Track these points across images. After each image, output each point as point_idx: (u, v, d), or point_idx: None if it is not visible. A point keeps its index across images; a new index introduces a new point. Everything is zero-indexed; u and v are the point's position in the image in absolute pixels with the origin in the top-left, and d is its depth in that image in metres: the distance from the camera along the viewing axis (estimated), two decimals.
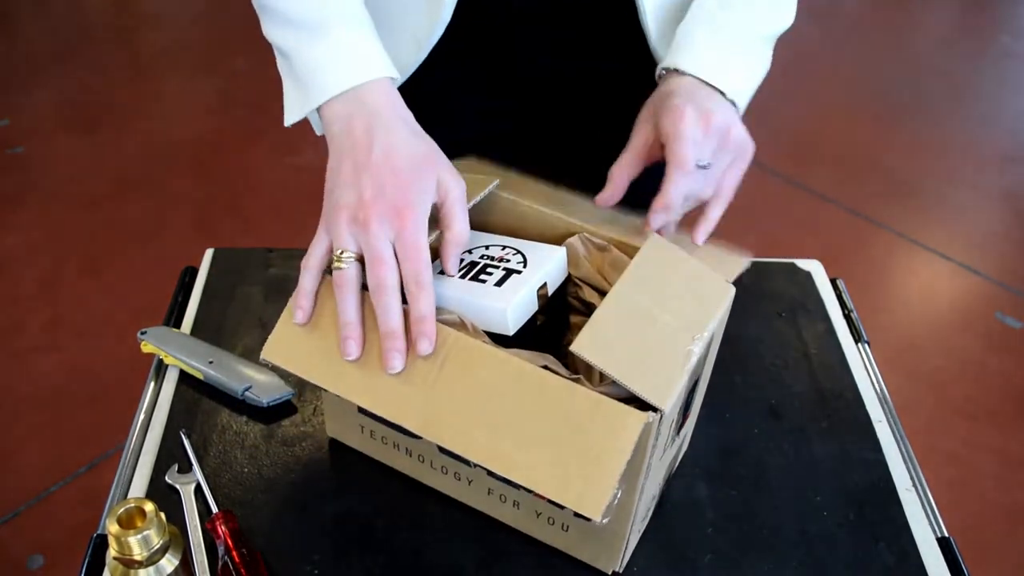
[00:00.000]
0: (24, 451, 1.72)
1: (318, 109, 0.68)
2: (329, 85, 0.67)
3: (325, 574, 0.68)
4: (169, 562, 0.61)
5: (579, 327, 0.74)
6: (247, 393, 0.79)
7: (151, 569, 0.60)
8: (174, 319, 0.90)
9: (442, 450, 0.69)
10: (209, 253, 0.98)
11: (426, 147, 0.67)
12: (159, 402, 0.81)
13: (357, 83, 0.67)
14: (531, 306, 0.68)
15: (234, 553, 0.66)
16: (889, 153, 2.77)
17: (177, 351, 0.83)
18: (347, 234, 0.63)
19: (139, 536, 0.59)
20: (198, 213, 2.30)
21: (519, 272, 0.68)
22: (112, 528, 0.59)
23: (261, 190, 2.35)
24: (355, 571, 0.69)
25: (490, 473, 0.67)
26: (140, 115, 2.73)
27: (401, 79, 0.77)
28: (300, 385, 0.82)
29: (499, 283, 0.67)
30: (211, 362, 0.81)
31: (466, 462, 0.68)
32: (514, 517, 0.71)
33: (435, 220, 0.66)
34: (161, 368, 0.84)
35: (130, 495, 0.73)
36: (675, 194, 0.69)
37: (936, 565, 0.72)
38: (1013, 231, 2.49)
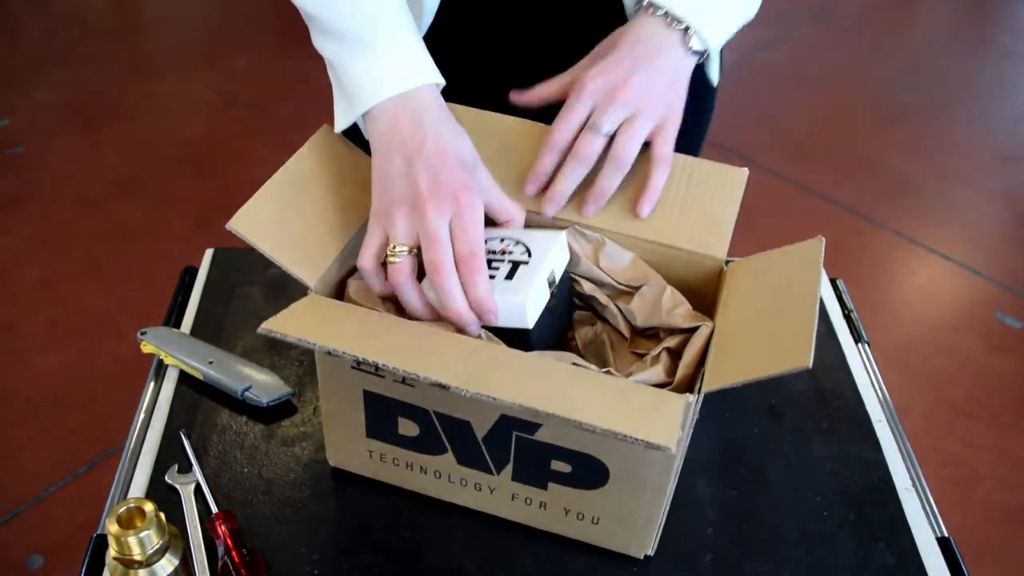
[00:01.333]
0: (24, 451, 1.72)
1: (364, 115, 0.69)
2: (374, 94, 0.68)
3: (325, 574, 0.68)
4: (169, 562, 0.61)
5: (580, 323, 0.74)
6: (247, 393, 0.79)
7: (151, 569, 0.60)
8: (174, 319, 0.90)
9: (461, 461, 0.69)
10: (209, 253, 0.98)
11: (470, 149, 0.68)
12: (159, 402, 0.81)
13: (401, 91, 0.68)
14: (544, 295, 0.68)
15: (234, 553, 0.66)
16: (889, 153, 2.77)
17: (177, 351, 0.83)
18: (403, 226, 0.64)
19: (139, 536, 0.59)
20: (198, 213, 2.30)
21: (526, 263, 0.68)
22: (112, 528, 0.59)
23: None
24: (355, 571, 0.69)
25: (515, 477, 0.68)
26: (140, 115, 2.73)
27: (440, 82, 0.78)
28: (300, 385, 0.82)
29: (509, 276, 0.67)
30: (211, 362, 0.81)
31: (492, 468, 0.68)
32: (541, 519, 0.71)
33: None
34: (161, 368, 0.84)
35: (130, 495, 0.73)
36: (547, 164, 0.72)
37: (936, 565, 0.72)
38: (1013, 231, 2.49)
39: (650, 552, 0.70)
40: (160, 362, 0.85)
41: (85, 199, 2.36)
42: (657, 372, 0.65)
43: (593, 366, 0.64)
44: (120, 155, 2.54)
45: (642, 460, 0.63)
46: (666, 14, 0.72)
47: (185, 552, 0.63)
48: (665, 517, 0.68)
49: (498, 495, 0.70)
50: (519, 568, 0.70)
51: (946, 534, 0.75)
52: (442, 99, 0.70)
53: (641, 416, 0.56)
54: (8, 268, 2.13)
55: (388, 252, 0.65)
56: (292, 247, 0.68)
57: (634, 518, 0.67)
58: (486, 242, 0.70)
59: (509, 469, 0.68)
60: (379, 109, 0.68)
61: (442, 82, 0.71)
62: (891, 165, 2.71)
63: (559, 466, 0.66)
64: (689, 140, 0.76)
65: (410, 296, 0.65)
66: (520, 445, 0.65)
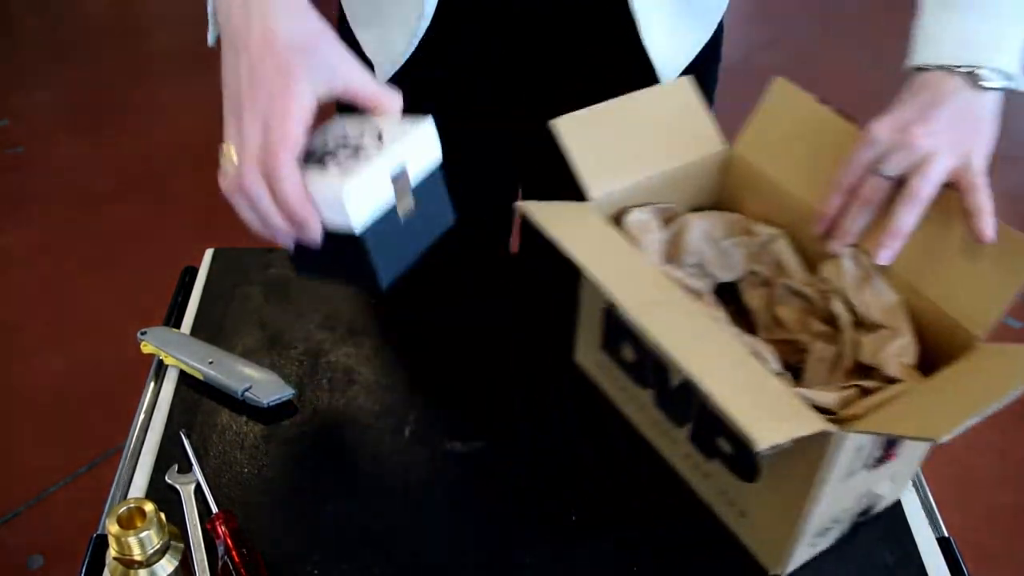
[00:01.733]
0: (24, 451, 1.72)
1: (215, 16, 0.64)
2: None
3: (325, 574, 0.68)
4: (169, 562, 0.61)
5: (822, 337, 0.73)
6: (247, 393, 0.79)
7: (151, 569, 0.60)
8: (174, 319, 0.90)
9: (658, 403, 0.72)
10: (209, 253, 0.98)
11: (311, 27, 0.59)
12: (159, 402, 0.81)
13: None
14: (384, 190, 0.57)
15: (234, 553, 0.66)
16: None
17: (177, 351, 0.83)
18: (231, 131, 0.58)
19: (139, 536, 0.59)
20: (198, 213, 2.30)
21: (362, 150, 0.57)
22: (112, 528, 0.59)
23: None
24: (355, 571, 0.69)
25: (691, 438, 0.70)
26: (140, 115, 2.73)
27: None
28: (300, 385, 0.82)
29: (342, 168, 0.56)
30: (211, 362, 0.81)
31: (676, 420, 0.71)
32: (704, 489, 0.72)
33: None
34: (161, 368, 0.84)
35: (130, 495, 0.73)
36: (832, 205, 0.71)
37: (936, 565, 0.72)
38: None
39: (780, 573, 0.69)
40: (160, 362, 0.85)
41: (85, 199, 2.36)
42: (830, 397, 0.63)
43: (773, 364, 0.67)
44: (120, 155, 2.54)
45: (786, 472, 0.63)
46: (941, 67, 0.70)
47: (185, 552, 0.63)
48: (809, 551, 0.68)
49: (676, 448, 0.73)
50: (519, 568, 0.70)
51: (946, 534, 0.75)
52: None
53: (765, 416, 0.55)
54: (8, 268, 2.14)
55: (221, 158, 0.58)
56: (598, 159, 0.74)
57: (767, 530, 0.67)
58: (345, 134, 0.61)
59: (688, 429, 0.70)
60: (221, 4, 0.61)
61: None
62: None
63: (723, 444, 0.67)
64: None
65: (245, 213, 0.59)
66: (700, 409, 0.67)
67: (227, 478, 0.74)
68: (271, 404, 0.79)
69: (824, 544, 0.70)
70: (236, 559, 0.66)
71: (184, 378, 0.83)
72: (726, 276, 0.79)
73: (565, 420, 0.80)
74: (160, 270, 1.42)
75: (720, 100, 0.97)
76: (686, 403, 0.69)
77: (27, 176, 2.45)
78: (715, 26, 0.93)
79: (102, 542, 0.69)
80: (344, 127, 0.61)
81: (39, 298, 2.06)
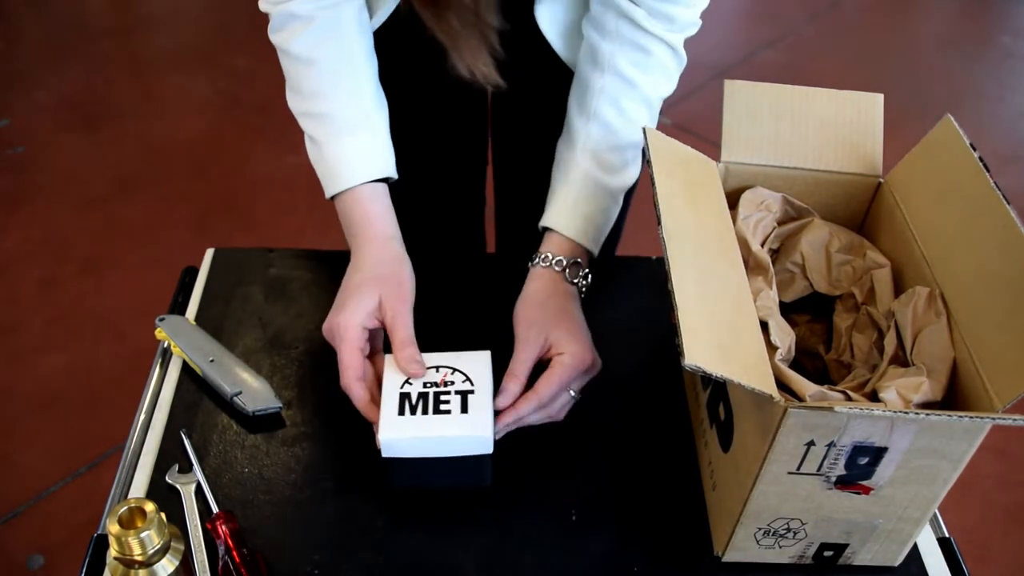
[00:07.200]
0: (24, 451, 1.72)
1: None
2: (326, 188, 0.83)
3: (325, 574, 0.68)
4: (169, 562, 0.61)
5: (852, 331, 0.73)
6: (236, 398, 0.79)
7: (151, 569, 0.60)
8: None
9: None
10: (209, 253, 0.98)
11: (371, 275, 0.77)
12: (159, 402, 0.81)
13: (338, 190, 0.81)
14: (492, 415, 0.71)
15: (234, 553, 0.66)
16: (889, 153, 2.77)
17: (185, 343, 0.83)
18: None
19: (139, 536, 0.59)
20: (198, 213, 2.30)
21: (472, 392, 0.71)
22: (112, 528, 0.59)
23: (261, 190, 2.35)
24: (355, 571, 0.69)
25: (708, 402, 0.73)
26: (140, 115, 2.73)
27: (382, 172, 0.85)
28: (299, 386, 0.82)
29: (464, 409, 0.70)
30: (212, 360, 0.81)
31: (704, 382, 0.76)
32: (702, 457, 0.75)
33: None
34: (167, 355, 0.84)
35: (130, 495, 0.73)
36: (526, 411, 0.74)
37: (936, 565, 0.72)
38: None
39: (720, 553, 0.70)
40: (167, 350, 0.85)
41: (85, 199, 2.36)
42: (810, 387, 0.62)
43: (783, 349, 0.66)
44: (120, 155, 2.54)
45: (746, 447, 0.63)
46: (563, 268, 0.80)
47: (186, 552, 0.63)
48: (744, 530, 0.67)
49: (698, 411, 0.78)
50: (519, 568, 0.70)
51: (946, 534, 0.75)
52: (374, 201, 0.81)
53: (716, 347, 0.56)
54: (8, 268, 2.13)
55: None
56: (750, 128, 0.75)
57: (724, 502, 0.68)
58: (433, 379, 0.74)
59: (708, 393, 0.75)
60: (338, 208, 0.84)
61: (379, 175, 0.82)
62: (891, 165, 2.71)
63: (721, 410, 0.70)
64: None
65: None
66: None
67: (227, 478, 0.74)
68: (256, 413, 0.79)
69: (778, 551, 0.69)
70: (236, 559, 0.66)
71: (186, 374, 0.83)
72: (825, 288, 0.77)
73: (565, 418, 0.80)
74: (160, 270, 1.42)
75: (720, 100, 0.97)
76: None
77: (27, 176, 2.45)
78: None
79: (102, 542, 0.70)
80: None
81: (39, 298, 2.06)
